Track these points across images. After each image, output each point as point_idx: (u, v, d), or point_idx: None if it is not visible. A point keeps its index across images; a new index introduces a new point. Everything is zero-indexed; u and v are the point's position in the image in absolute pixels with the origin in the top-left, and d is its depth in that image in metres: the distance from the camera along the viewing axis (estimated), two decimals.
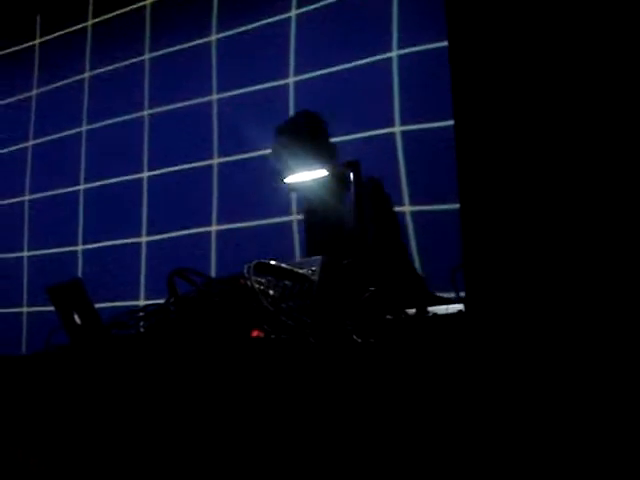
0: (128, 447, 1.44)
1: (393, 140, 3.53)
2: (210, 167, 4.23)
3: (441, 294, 2.14)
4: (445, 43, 3.25)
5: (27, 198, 5.01)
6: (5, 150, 5.24)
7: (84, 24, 4.94)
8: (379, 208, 2.63)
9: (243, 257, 1.64)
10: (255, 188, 3.85)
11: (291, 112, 3.83)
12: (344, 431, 1.17)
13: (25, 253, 4.96)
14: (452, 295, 1.69)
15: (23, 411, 1.67)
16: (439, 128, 3.32)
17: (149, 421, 1.42)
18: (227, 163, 4.15)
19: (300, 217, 2.95)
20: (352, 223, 2.41)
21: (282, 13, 4.00)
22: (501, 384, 1.06)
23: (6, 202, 5.14)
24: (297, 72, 3.91)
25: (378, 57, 3.63)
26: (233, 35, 4.22)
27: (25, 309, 4.87)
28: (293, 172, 2.48)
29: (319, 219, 2.78)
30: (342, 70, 3.74)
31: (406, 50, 3.55)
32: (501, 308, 1.12)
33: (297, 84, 3.90)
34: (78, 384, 1.57)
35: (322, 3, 3.86)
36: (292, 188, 2.82)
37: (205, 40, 4.33)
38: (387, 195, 2.71)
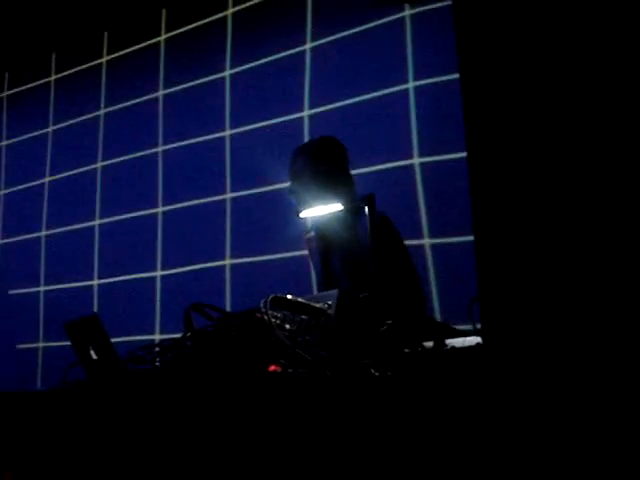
0: None
1: (412, 172, 3.53)
2: (223, 202, 4.26)
3: (460, 326, 2.13)
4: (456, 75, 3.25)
5: (43, 234, 5.05)
6: (22, 186, 5.29)
7: (99, 60, 5.01)
8: (389, 240, 2.59)
9: (258, 291, 1.65)
10: (269, 222, 3.87)
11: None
12: (363, 466, 1.17)
13: (42, 288, 4.98)
14: (470, 327, 1.68)
15: (41, 447, 1.66)
16: (457, 159, 3.31)
17: (166, 457, 1.41)
18: (240, 198, 4.18)
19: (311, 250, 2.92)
20: (366, 256, 2.40)
21: (297, 46, 4.04)
22: (520, 416, 1.05)
23: (23, 237, 5.18)
24: (312, 105, 3.93)
25: (394, 89, 3.64)
26: (247, 70, 4.27)
27: (41, 344, 4.88)
28: (310, 206, 2.47)
29: (332, 252, 2.77)
30: (357, 102, 3.75)
31: (422, 82, 3.56)
32: (517, 339, 1.11)
33: (312, 117, 3.92)
34: (95, 419, 1.57)
35: (337, 36, 3.89)
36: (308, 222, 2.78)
37: (219, 76, 4.38)
38: (396, 228, 2.67)
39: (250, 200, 4.10)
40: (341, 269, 2.68)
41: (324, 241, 2.75)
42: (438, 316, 3.26)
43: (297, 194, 2.65)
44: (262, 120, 4.12)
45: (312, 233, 2.81)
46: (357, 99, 3.76)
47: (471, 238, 3.39)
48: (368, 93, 3.72)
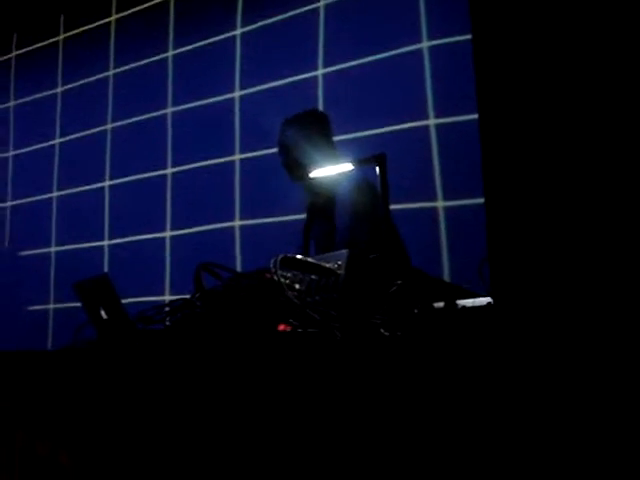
0: (154, 441, 1.44)
1: (427, 133, 3.49)
2: (232, 163, 4.24)
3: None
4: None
5: (55, 195, 5.05)
6: (32, 147, 5.29)
7: (107, 19, 4.97)
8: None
9: (268, 252, 1.64)
10: (278, 183, 3.85)
11: (320, 105, 3.82)
12: (372, 424, 1.17)
13: (52, 249, 5.00)
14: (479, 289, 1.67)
15: (52, 405, 1.68)
16: (472, 121, 3.28)
17: (176, 415, 1.42)
18: (250, 159, 4.17)
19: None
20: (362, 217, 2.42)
21: (310, 3, 3.98)
22: (529, 375, 1.05)
23: (33, 199, 5.19)
24: (325, 65, 3.89)
25: (408, 48, 3.59)
26: (259, 28, 4.22)
27: (52, 306, 4.92)
28: (315, 167, 2.50)
29: (330, 214, 2.79)
30: (371, 62, 3.72)
31: (437, 42, 3.51)
32: (526, 299, 1.11)
33: (325, 76, 3.88)
34: (106, 378, 1.58)
35: None
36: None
37: (229, 34, 4.33)
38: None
39: (260, 161, 4.09)
40: (342, 231, 2.69)
41: (322, 204, 2.78)
42: (447, 278, 3.26)
43: (299, 156, 2.71)
44: (272, 80, 4.09)
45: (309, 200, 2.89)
46: (371, 58, 3.72)
47: (481, 200, 3.37)
48: (382, 53, 3.68)
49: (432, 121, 3.49)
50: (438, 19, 3.53)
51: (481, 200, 3.38)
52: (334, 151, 2.86)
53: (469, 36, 3.42)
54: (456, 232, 3.37)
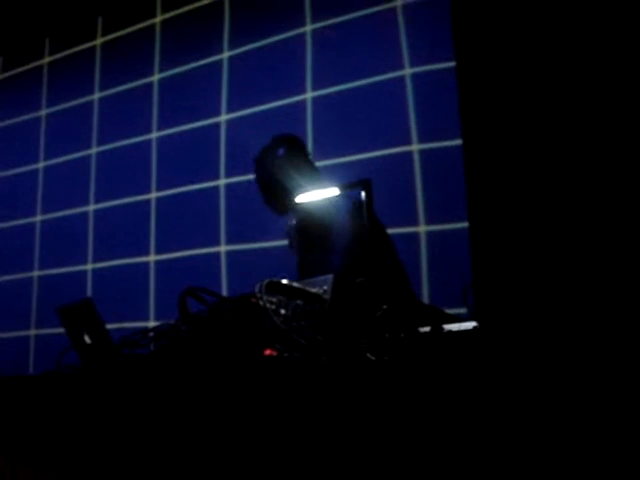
0: (141, 468, 1.43)
1: (410, 158, 3.53)
2: (217, 188, 4.25)
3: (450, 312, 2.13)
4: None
5: (38, 219, 5.03)
6: (14, 171, 5.27)
7: (93, 43, 4.97)
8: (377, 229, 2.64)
9: (254, 278, 1.64)
10: (264, 208, 3.85)
11: (308, 129, 3.85)
12: (359, 450, 1.16)
13: (35, 273, 4.96)
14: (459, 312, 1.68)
15: (34, 430, 1.66)
16: (454, 146, 3.32)
17: (160, 441, 1.41)
18: (235, 184, 4.17)
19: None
20: (352, 242, 2.43)
21: (296, 29, 4.02)
22: (517, 396, 1.05)
23: (15, 223, 5.16)
24: (313, 89, 3.92)
25: (392, 75, 3.64)
26: (245, 52, 4.24)
27: (33, 332, 4.87)
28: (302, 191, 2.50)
29: (316, 239, 2.79)
30: (356, 87, 3.75)
31: (419, 69, 3.56)
32: (511, 322, 1.12)
33: (312, 101, 3.91)
34: (90, 403, 1.56)
35: (337, 20, 3.88)
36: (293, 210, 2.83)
37: (215, 59, 4.35)
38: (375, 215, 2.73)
39: (245, 186, 4.09)
40: (329, 256, 2.69)
41: (308, 229, 2.78)
42: (427, 302, 3.27)
43: (283, 179, 2.71)
44: (261, 104, 4.10)
45: (293, 222, 2.88)
46: (354, 84, 3.75)
47: (465, 225, 3.40)
48: (365, 79, 3.71)
49: (415, 147, 3.52)
50: (419, 47, 3.59)
51: (462, 225, 3.42)
52: (318, 175, 2.87)
53: (450, 64, 3.49)
54: (437, 256, 3.40)
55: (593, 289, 1.06)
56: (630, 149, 1.07)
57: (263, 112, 4.08)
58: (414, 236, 3.43)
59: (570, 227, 1.10)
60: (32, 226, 5.04)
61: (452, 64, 3.35)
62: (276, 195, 2.80)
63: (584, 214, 1.09)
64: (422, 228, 3.44)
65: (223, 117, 4.27)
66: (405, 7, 3.65)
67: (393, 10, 3.69)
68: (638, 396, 0.98)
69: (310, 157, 2.88)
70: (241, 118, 4.19)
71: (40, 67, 5.27)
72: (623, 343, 1.02)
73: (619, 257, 1.05)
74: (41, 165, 5.11)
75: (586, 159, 1.10)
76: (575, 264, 1.08)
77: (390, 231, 3.18)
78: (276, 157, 2.84)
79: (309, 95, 3.93)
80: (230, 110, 4.25)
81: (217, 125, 4.29)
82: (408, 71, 3.59)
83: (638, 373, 1.00)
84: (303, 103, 3.94)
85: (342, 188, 2.28)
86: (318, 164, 3.09)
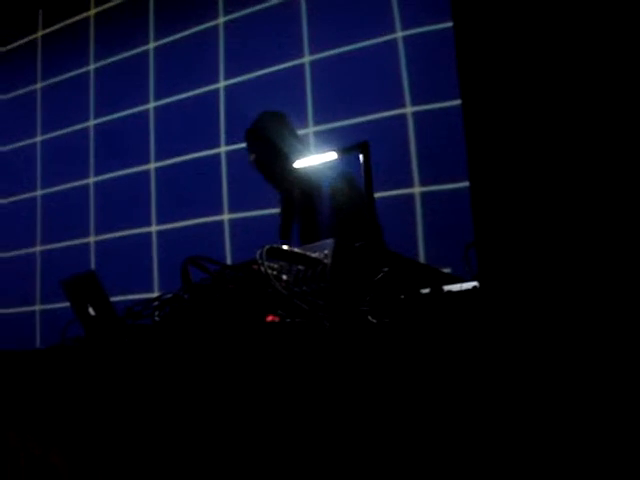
0: (146, 437, 1.44)
1: (404, 121, 3.52)
2: (218, 155, 4.23)
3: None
4: (448, 24, 3.27)
5: (38, 193, 5.02)
6: (13, 146, 5.25)
7: (86, 14, 4.93)
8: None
9: (259, 245, 1.64)
10: None
11: (308, 92, 3.83)
12: (362, 413, 1.17)
13: (38, 248, 4.97)
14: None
15: (43, 404, 1.67)
16: (447, 108, 3.31)
17: (166, 410, 1.42)
18: (236, 151, 4.15)
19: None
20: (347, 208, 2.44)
21: None
22: (516, 360, 1.05)
23: (16, 198, 5.16)
24: (310, 53, 3.90)
25: (386, 37, 3.62)
26: (241, 17, 4.20)
27: (38, 307, 4.89)
28: (298, 157, 2.52)
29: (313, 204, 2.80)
30: (351, 51, 3.73)
31: (411, 32, 3.54)
32: (514, 283, 1.11)
33: (310, 64, 3.89)
34: (96, 376, 1.57)
35: None
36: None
37: (211, 24, 4.31)
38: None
39: (247, 153, 4.07)
40: (328, 221, 2.70)
41: (307, 193, 2.79)
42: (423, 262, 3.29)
43: (282, 146, 2.72)
44: (259, 69, 4.07)
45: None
46: (347, 48, 3.73)
47: (460, 185, 3.42)
48: (362, 41, 3.69)
49: (409, 109, 3.51)
50: (410, 10, 3.57)
51: (456, 185, 3.43)
52: (303, 146, 2.87)
53: (440, 25, 3.47)
54: (432, 217, 3.41)
55: (599, 256, 1.06)
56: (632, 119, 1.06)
57: (262, 77, 4.06)
58: (408, 198, 3.44)
59: (573, 190, 1.09)
60: (32, 201, 5.04)
61: (442, 26, 3.35)
62: (273, 158, 2.80)
63: (588, 178, 1.08)
64: (417, 189, 3.44)
65: (222, 84, 4.24)
66: None
67: None
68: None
69: (292, 132, 2.87)
70: (240, 84, 4.16)
71: (34, 40, 5.22)
72: (627, 311, 1.02)
73: (626, 222, 1.04)
74: (39, 139, 5.09)
75: (589, 125, 1.09)
76: (579, 229, 1.07)
77: (386, 193, 3.19)
78: (266, 128, 2.85)
79: (307, 59, 3.90)
80: (228, 76, 4.22)
81: (216, 92, 4.26)
82: (400, 34, 3.57)
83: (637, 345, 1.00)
84: (301, 67, 3.91)
85: (340, 152, 2.27)
86: (316, 129, 3.08)
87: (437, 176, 3.39)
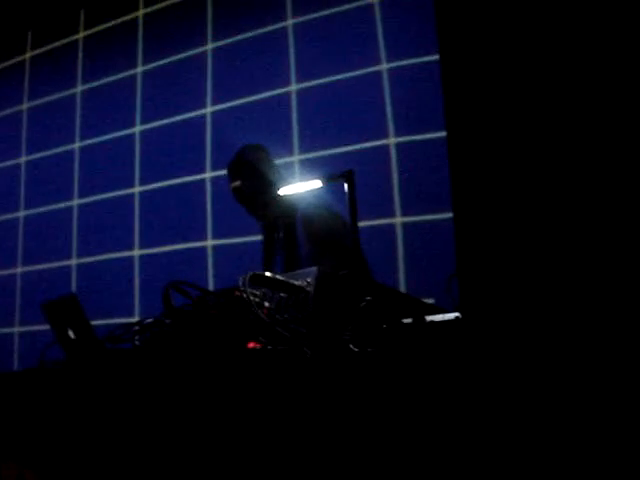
0: (125, 461, 1.43)
1: (387, 151, 3.55)
2: (203, 181, 4.23)
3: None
4: (432, 57, 3.32)
5: (21, 214, 4.99)
6: None
7: (75, 37, 4.94)
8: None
9: (242, 272, 1.64)
10: None
11: (294, 121, 3.86)
12: (343, 441, 1.17)
13: (18, 269, 4.93)
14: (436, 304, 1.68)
15: (18, 426, 1.65)
16: (430, 139, 3.35)
17: (146, 434, 1.41)
18: (221, 177, 4.15)
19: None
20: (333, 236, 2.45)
21: (278, 22, 4.03)
22: (499, 386, 1.06)
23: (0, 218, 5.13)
24: (297, 81, 3.94)
25: (371, 69, 3.66)
26: (229, 44, 4.23)
27: (17, 329, 4.84)
28: (281, 185, 2.54)
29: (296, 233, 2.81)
30: (337, 81, 3.77)
31: (395, 64, 3.59)
32: (496, 314, 1.12)
33: (296, 93, 3.92)
34: (74, 399, 1.56)
35: (319, 14, 3.89)
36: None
37: (200, 50, 4.34)
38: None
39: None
40: (310, 250, 2.70)
41: (288, 223, 2.80)
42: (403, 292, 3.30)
43: (267, 174, 2.74)
44: (245, 97, 4.10)
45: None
46: (337, 77, 3.77)
47: (440, 217, 3.44)
48: (342, 74, 3.74)
49: (392, 140, 3.55)
50: (395, 43, 3.62)
51: (438, 216, 3.46)
52: (284, 178, 2.89)
53: (425, 58, 3.53)
54: (413, 248, 3.43)
55: (580, 279, 1.07)
56: (612, 126, 1.08)
57: (249, 104, 4.08)
58: (391, 227, 3.46)
59: (556, 218, 1.10)
60: (15, 221, 5.01)
61: (426, 59, 3.41)
62: (256, 204, 2.83)
63: (570, 205, 1.09)
64: (398, 219, 3.47)
65: (209, 109, 4.26)
66: (382, 4, 3.68)
67: (371, 7, 3.71)
68: (619, 388, 0.99)
69: (272, 166, 2.90)
70: (227, 110, 4.18)
71: (22, 61, 5.22)
72: (608, 335, 1.03)
73: (607, 254, 1.06)
74: (23, 160, 5.07)
75: (572, 151, 1.11)
76: (562, 254, 1.09)
77: (368, 223, 3.21)
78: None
79: (294, 87, 3.93)
80: (215, 102, 4.23)
81: (203, 117, 4.27)
82: (385, 66, 3.62)
83: (620, 365, 1.00)
84: (288, 95, 3.94)
85: (325, 180, 2.29)
86: (301, 157, 3.10)
87: (418, 207, 3.42)
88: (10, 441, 1.66)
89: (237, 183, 2.85)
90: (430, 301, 1.75)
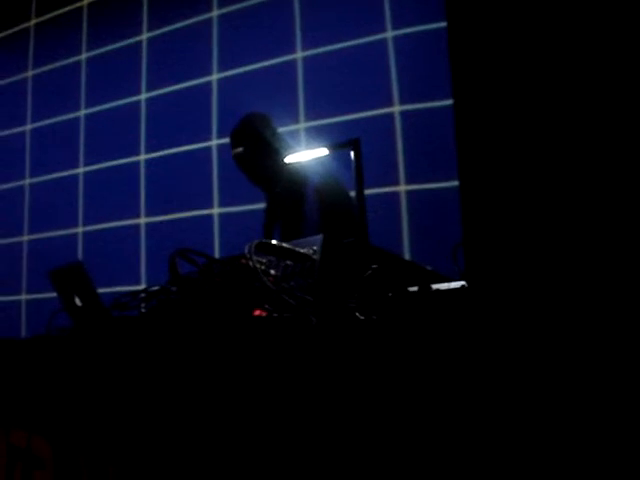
0: (131, 429, 1.44)
1: (392, 119, 3.53)
2: (209, 149, 4.22)
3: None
4: (438, 25, 3.29)
5: (27, 182, 4.99)
6: (3, 133, 5.21)
7: (79, 4, 4.90)
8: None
9: (248, 240, 1.63)
10: None
11: (300, 89, 3.83)
12: (347, 410, 1.17)
13: (25, 237, 4.95)
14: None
15: (27, 393, 1.67)
16: (435, 108, 3.33)
17: (151, 402, 1.42)
18: (228, 144, 4.14)
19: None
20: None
21: None
22: (502, 358, 1.06)
23: (4, 187, 5.13)
24: (304, 48, 3.90)
25: (376, 37, 3.63)
26: (235, 11, 4.19)
27: (24, 296, 4.86)
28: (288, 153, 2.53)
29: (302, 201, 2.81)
30: (343, 48, 3.74)
31: (400, 31, 3.56)
32: (501, 282, 1.12)
33: (305, 60, 3.89)
34: (81, 366, 1.57)
35: None
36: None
37: (206, 16, 4.30)
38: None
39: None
40: (317, 217, 2.70)
41: (293, 191, 2.79)
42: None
43: (272, 141, 2.72)
44: (251, 63, 4.07)
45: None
46: (343, 45, 3.73)
47: (446, 184, 3.43)
48: (353, 40, 3.70)
49: (397, 108, 3.53)
50: (401, 10, 3.59)
51: (443, 185, 3.44)
52: (287, 146, 2.87)
53: (430, 26, 3.49)
54: (418, 216, 3.43)
55: (587, 254, 1.06)
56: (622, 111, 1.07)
57: (255, 71, 4.05)
58: (395, 195, 3.46)
59: (562, 188, 1.09)
60: (21, 189, 5.01)
61: (432, 27, 3.38)
62: (260, 171, 2.82)
63: (578, 176, 1.08)
64: (403, 187, 3.46)
65: (214, 76, 4.23)
66: None
67: None
68: (628, 361, 0.99)
69: (275, 134, 2.87)
70: (233, 77, 4.15)
71: (27, 28, 5.19)
72: (614, 309, 1.02)
73: (618, 229, 1.05)
74: (28, 127, 5.06)
75: (581, 121, 1.09)
76: (572, 223, 1.08)
77: (372, 191, 3.20)
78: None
79: (299, 55, 3.90)
80: (221, 70, 4.20)
81: (208, 84, 4.25)
82: (390, 34, 3.59)
83: (623, 341, 1.00)
84: (294, 63, 3.91)
85: (331, 148, 2.27)
86: (307, 125, 3.08)
87: (423, 175, 3.41)
88: (18, 408, 1.67)
89: (239, 150, 2.84)
90: (433, 269, 1.75)
